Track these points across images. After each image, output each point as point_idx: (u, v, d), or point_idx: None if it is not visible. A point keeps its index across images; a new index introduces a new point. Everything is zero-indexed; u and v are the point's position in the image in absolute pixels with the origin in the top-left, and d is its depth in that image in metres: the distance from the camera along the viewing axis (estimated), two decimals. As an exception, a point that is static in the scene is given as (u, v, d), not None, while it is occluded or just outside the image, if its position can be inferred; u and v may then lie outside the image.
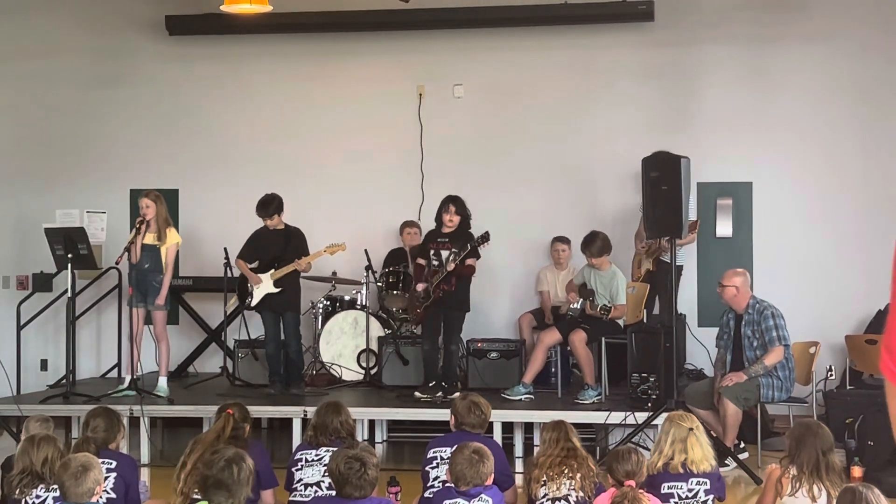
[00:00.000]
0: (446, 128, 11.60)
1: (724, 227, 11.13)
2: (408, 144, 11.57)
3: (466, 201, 9.63)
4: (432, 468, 6.23)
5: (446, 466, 5.74)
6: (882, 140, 11.02)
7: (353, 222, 11.27)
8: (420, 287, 9.50)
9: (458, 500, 5.35)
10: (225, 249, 10.27)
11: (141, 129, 11.98)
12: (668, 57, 11.32)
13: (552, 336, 9.50)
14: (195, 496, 5.27)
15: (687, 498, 5.91)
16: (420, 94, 11.63)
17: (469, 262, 9.29)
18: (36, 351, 11.77)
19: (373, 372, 10.37)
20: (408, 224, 11.08)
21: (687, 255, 10.65)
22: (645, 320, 9.97)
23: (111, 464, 5.94)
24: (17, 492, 5.53)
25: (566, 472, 5.86)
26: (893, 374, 2.21)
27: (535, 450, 8.10)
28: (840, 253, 10.98)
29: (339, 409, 6.41)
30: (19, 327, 11.02)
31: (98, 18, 12.06)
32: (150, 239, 9.55)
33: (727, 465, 8.29)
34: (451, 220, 9.44)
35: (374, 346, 10.42)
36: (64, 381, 10.11)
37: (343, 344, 10.50)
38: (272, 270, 9.71)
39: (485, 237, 9.32)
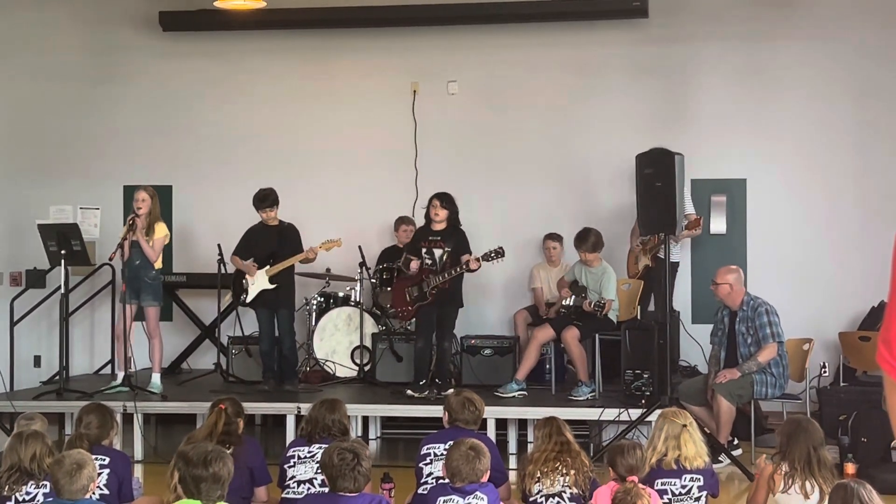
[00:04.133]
0: (440, 124, 11.59)
1: (718, 224, 11.13)
2: (402, 141, 11.56)
3: (460, 198, 9.63)
4: (426, 465, 6.23)
5: (440, 463, 5.74)
6: (877, 137, 11.02)
7: (347, 219, 11.25)
8: (414, 265, 9.45)
9: (454, 496, 5.35)
10: (219, 246, 10.26)
11: (135, 125, 11.96)
12: (663, 54, 11.32)
13: (546, 333, 9.50)
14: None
15: (680, 494, 5.91)
16: (414, 91, 11.62)
17: (473, 265, 9.28)
18: (29, 347, 11.75)
19: (367, 368, 10.37)
20: (403, 221, 11.07)
21: (682, 252, 10.65)
22: (639, 317, 9.98)
23: (104, 460, 5.93)
24: (5, 489, 5.51)
25: (560, 468, 5.86)
26: (891, 367, 2.22)
27: (529, 447, 8.12)
28: (834, 250, 10.99)
29: (334, 407, 6.40)
30: (12, 323, 11.01)
31: (92, 14, 12.04)
32: (140, 235, 9.52)
33: (721, 462, 8.29)
34: (438, 215, 9.46)
35: (367, 342, 10.42)
36: (57, 377, 10.10)
37: (337, 340, 10.50)
38: (267, 267, 9.70)
39: (499, 252, 9.30)
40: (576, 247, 9.63)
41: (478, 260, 9.26)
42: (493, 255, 9.29)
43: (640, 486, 5.53)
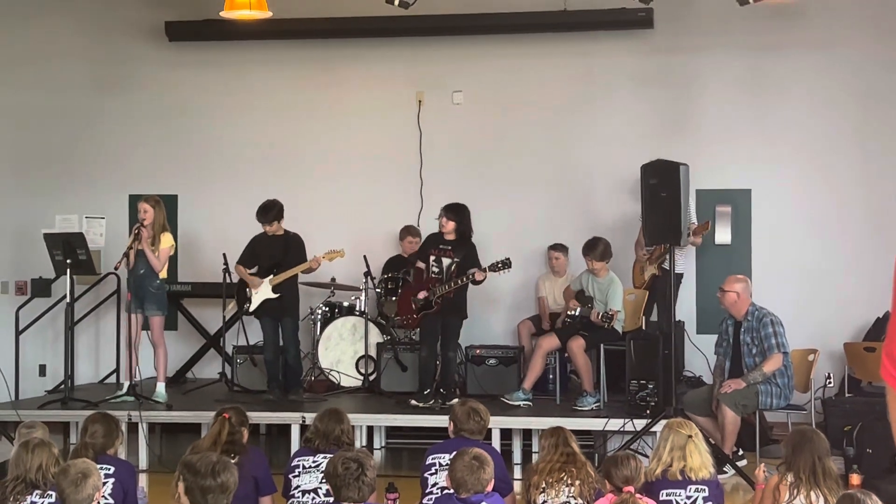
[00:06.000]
0: (445, 134, 11.60)
1: (723, 235, 11.13)
2: (407, 151, 11.58)
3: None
4: (431, 475, 6.22)
5: (445, 473, 5.73)
6: (880, 148, 11.02)
7: (352, 228, 11.27)
8: (421, 295, 9.51)
9: (459, 507, 5.33)
10: (224, 255, 10.27)
11: (140, 134, 11.99)
12: (668, 64, 11.34)
13: (551, 342, 9.51)
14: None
15: (685, 505, 5.90)
16: (419, 101, 11.64)
17: (478, 276, 9.30)
18: (34, 356, 11.76)
19: (371, 378, 10.37)
20: (408, 233, 11.05)
21: (687, 263, 10.65)
22: (644, 327, 9.98)
23: (109, 469, 5.93)
24: (10, 499, 5.50)
25: (565, 478, 5.86)
26: (894, 379, 2.22)
27: (534, 456, 8.11)
28: (838, 260, 10.98)
29: (341, 417, 6.40)
30: (18, 332, 11.02)
31: (98, 24, 12.07)
32: (145, 245, 9.53)
33: (725, 473, 8.27)
34: (445, 226, 9.50)
35: (372, 352, 10.42)
36: (62, 386, 10.10)
37: (342, 350, 10.50)
38: (271, 276, 9.71)
39: (506, 263, 9.32)
40: (584, 255, 9.65)
41: (484, 271, 9.28)
42: (500, 265, 9.31)
43: (637, 495, 5.52)
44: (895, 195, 10.93)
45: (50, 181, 12.01)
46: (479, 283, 9.41)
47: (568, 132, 11.46)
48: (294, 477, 6.25)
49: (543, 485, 5.87)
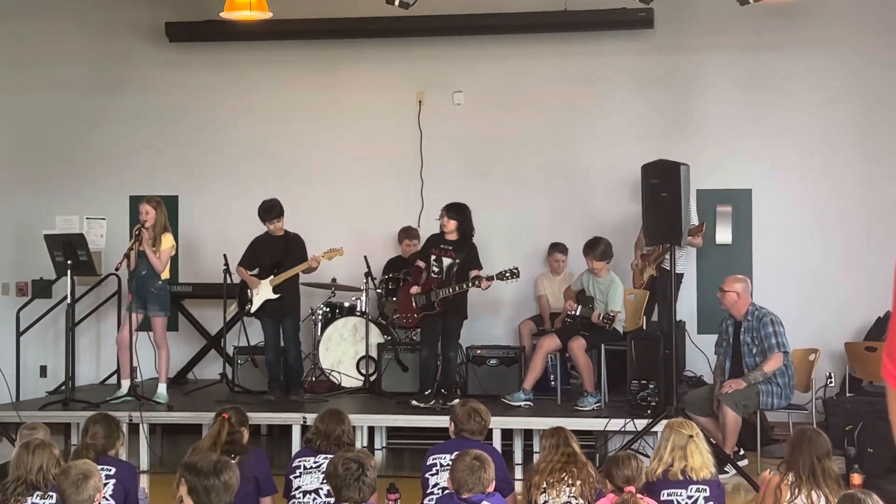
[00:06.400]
0: (445, 135, 11.60)
1: (723, 235, 11.13)
2: (407, 151, 11.58)
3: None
4: (432, 475, 6.22)
5: (446, 473, 5.73)
6: (881, 148, 11.02)
7: (352, 229, 11.27)
8: (413, 290, 9.51)
9: (460, 507, 5.33)
10: (224, 256, 10.28)
11: (141, 135, 11.99)
12: (668, 64, 11.33)
13: (551, 342, 9.51)
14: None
15: (686, 505, 5.90)
16: (420, 101, 11.63)
17: (484, 285, 9.30)
18: (35, 357, 11.75)
19: (372, 379, 10.37)
20: (407, 235, 11.04)
21: (687, 263, 10.65)
22: (644, 327, 9.98)
23: (110, 470, 5.93)
24: (11, 500, 5.50)
25: (566, 478, 5.86)
26: (895, 379, 2.22)
27: (535, 457, 8.11)
28: (839, 260, 10.98)
29: (342, 418, 6.42)
30: (18, 334, 11.00)
31: (98, 25, 12.07)
32: (147, 246, 9.54)
33: (727, 473, 8.27)
34: (446, 225, 9.50)
35: (373, 352, 10.42)
36: (63, 387, 10.11)
37: (342, 350, 10.50)
38: (271, 277, 9.72)
39: (514, 273, 9.32)
40: (584, 254, 9.65)
41: (490, 278, 9.27)
42: (507, 274, 9.29)
43: (638, 496, 5.52)
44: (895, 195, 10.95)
45: (50, 182, 12.01)
46: (485, 289, 9.42)
47: (568, 132, 11.46)
48: (295, 478, 6.25)
49: (544, 485, 5.87)
